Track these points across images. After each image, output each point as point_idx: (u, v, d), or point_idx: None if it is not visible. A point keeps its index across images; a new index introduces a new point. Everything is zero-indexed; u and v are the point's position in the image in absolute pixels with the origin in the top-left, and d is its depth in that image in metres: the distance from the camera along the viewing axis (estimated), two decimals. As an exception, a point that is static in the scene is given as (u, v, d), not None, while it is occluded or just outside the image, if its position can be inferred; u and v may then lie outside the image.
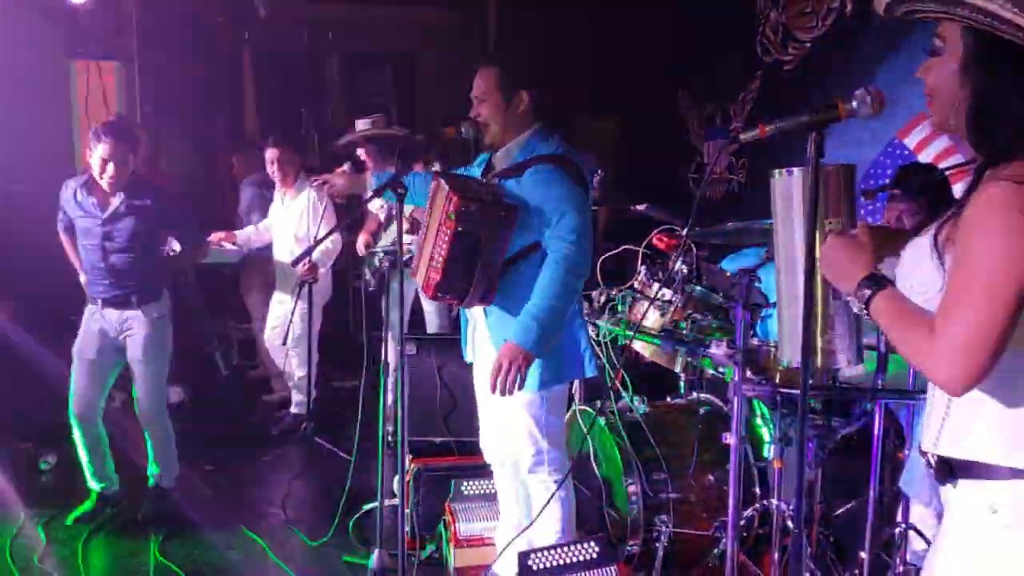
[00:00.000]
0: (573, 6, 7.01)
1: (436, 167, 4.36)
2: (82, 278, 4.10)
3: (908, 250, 1.61)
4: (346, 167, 4.13)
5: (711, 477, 3.33)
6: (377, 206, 5.04)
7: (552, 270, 2.72)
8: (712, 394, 3.54)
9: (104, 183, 3.81)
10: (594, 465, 3.54)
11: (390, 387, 4.21)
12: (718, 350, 2.89)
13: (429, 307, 5.28)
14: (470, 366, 3.19)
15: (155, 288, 4.01)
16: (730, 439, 2.88)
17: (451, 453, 4.10)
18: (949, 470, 1.50)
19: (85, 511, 4.04)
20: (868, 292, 1.56)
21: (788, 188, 2.02)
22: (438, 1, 8.97)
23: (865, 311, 1.58)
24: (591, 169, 3.22)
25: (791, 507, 2.86)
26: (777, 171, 2.10)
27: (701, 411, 3.46)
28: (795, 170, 2.01)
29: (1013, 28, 1.38)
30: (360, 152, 5.09)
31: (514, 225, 2.74)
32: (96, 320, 3.97)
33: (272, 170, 5.30)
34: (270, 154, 5.28)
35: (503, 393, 2.73)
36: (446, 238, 2.67)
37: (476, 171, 3.05)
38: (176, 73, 8.46)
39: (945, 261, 1.46)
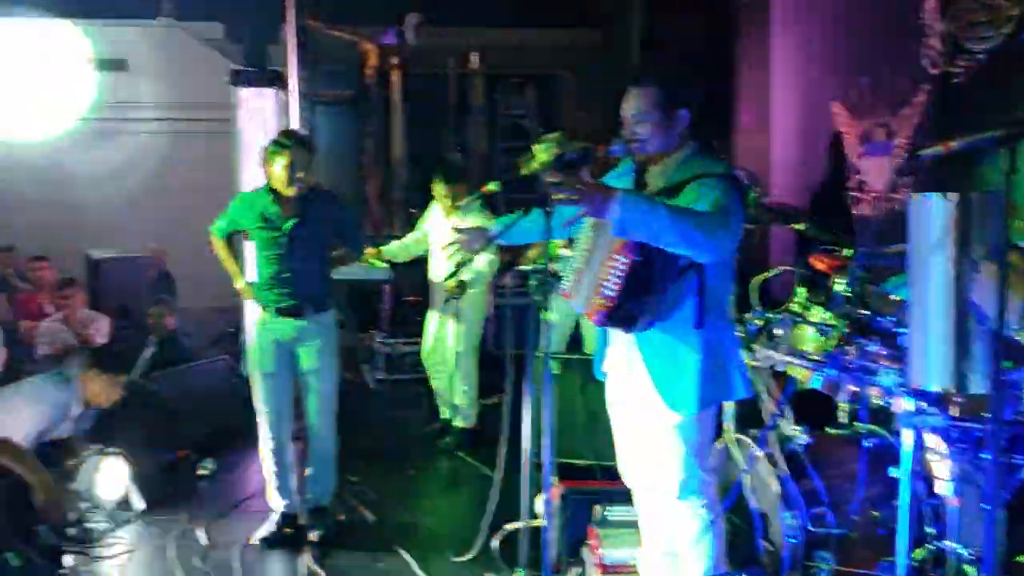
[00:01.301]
0: (719, 21, 6.89)
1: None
2: (239, 284, 4.15)
3: None
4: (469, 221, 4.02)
5: (876, 513, 3.13)
6: None
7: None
8: (877, 424, 3.34)
9: (290, 190, 3.83)
10: (747, 495, 3.40)
11: (535, 406, 4.17)
12: (888, 379, 2.72)
13: (588, 327, 5.20)
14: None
15: (327, 297, 4.03)
16: (899, 473, 2.70)
17: (594, 477, 4.04)
18: None
19: (271, 532, 4.04)
20: None
21: (933, 213, 1.92)
22: (580, 22, 9.01)
23: None
24: (747, 185, 3.12)
25: (970, 550, 2.66)
26: (920, 195, 2.02)
27: (867, 443, 3.26)
28: (940, 195, 1.91)
29: None
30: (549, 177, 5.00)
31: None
32: (269, 331, 3.97)
33: (441, 197, 5.38)
34: (439, 188, 5.34)
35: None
36: (623, 266, 2.59)
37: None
38: (329, 98, 8.85)
39: None
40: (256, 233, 3.93)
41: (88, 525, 4.12)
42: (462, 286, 5.05)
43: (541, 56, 9.10)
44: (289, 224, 3.87)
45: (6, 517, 3.75)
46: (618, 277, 2.60)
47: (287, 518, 4.09)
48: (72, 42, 8.49)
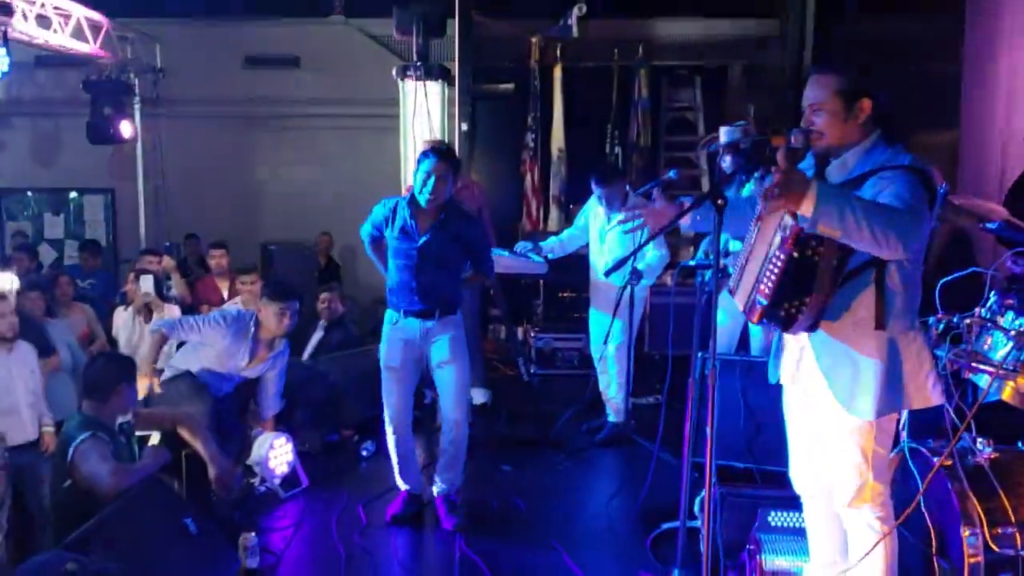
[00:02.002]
0: (899, 11, 6.48)
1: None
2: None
3: None
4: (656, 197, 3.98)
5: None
6: None
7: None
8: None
9: (423, 198, 3.89)
10: (922, 508, 3.18)
11: (696, 407, 4.06)
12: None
13: (756, 330, 5.03)
14: (778, 389, 2.99)
15: (456, 303, 4.10)
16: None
17: (753, 480, 3.91)
18: None
19: (398, 509, 4.21)
20: None
21: None
22: (750, 12, 8.73)
23: None
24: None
25: None
26: None
27: (1065, 462, 2.99)
28: None
29: None
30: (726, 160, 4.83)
31: (855, 250, 2.50)
32: (398, 329, 4.08)
33: (602, 199, 5.33)
34: (598, 191, 5.30)
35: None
36: (779, 263, 2.47)
37: None
38: (491, 92, 8.97)
39: None
40: (391, 239, 4.05)
41: (257, 498, 4.35)
42: (637, 275, 5.01)
43: (709, 48, 8.87)
44: (421, 240, 3.96)
45: (186, 487, 4.02)
46: (775, 274, 2.48)
47: (413, 497, 4.26)
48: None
